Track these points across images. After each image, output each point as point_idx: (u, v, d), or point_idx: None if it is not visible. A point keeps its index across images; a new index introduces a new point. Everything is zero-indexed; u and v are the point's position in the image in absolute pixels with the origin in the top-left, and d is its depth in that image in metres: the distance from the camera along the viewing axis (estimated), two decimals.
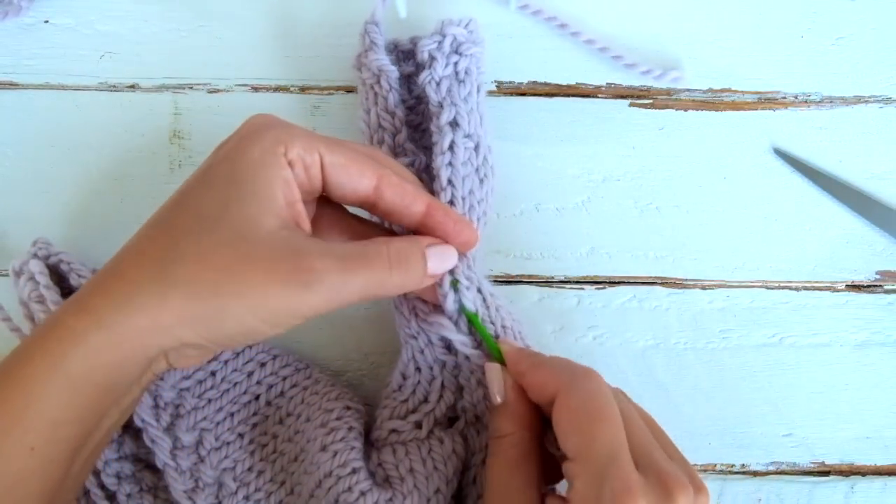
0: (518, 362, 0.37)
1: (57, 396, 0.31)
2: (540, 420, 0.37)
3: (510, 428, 0.36)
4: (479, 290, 0.40)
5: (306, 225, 0.35)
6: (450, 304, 0.39)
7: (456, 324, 0.40)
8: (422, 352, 0.41)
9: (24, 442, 0.31)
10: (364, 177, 0.36)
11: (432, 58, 0.43)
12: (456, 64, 0.43)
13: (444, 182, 0.41)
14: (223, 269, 0.32)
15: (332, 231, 0.39)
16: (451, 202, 0.41)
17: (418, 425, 0.41)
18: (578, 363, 0.36)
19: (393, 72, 0.43)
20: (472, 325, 0.40)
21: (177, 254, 0.32)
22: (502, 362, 0.38)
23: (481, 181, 0.42)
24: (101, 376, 0.32)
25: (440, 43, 0.43)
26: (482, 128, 0.43)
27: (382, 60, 0.43)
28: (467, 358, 0.40)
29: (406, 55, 0.46)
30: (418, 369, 0.41)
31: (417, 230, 0.38)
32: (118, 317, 0.31)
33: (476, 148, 0.42)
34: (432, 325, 0.40)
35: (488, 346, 0.39)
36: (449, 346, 0.41)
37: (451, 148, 0.41)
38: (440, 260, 0.37)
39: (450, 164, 0.41)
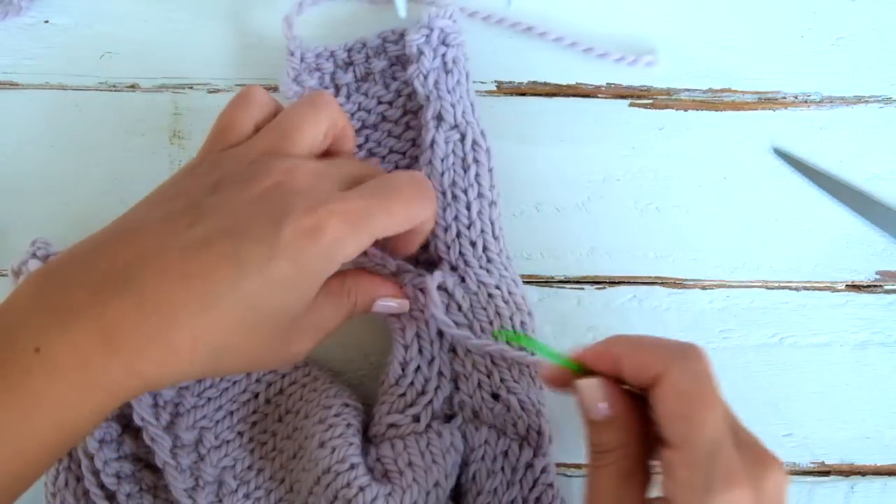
0: (614, 346, 0.35)
1: (87, 430, 0.33)
2: (647, 429, 0.34)
3: (622, 439, 0.33)
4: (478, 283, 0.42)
5: None
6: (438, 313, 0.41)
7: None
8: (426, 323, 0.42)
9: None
10: None
11: (420, 52, 0.43)
12: (444, 55, 0.43)
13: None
14: (257, 358, 0.36)
15: None
16: None
17: (416, 418, 0.41)
18: (681, 341, 0.34)
19: (290, 90, 0.44)
20: (522, 344, 0.40)
21: (229, 346, 0.34)
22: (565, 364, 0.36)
23: (465, 169, 0.43)
24: (121, 402, 0.34)
25: (428, 36, 0.43)
26: (473, 115, 0.44)
27: (285, 84, 0.44)
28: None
29: (376, 51, 0.46)
30: (420, 351, 0.41)
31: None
32: (164, 383, 0.33)
33: (463, 138, 0.43)
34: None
35: (548, 356, 0.37)
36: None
37: (431, 145, 0.43)
38: (385, 310, 0.42)
39: (429, 162, 0.43)
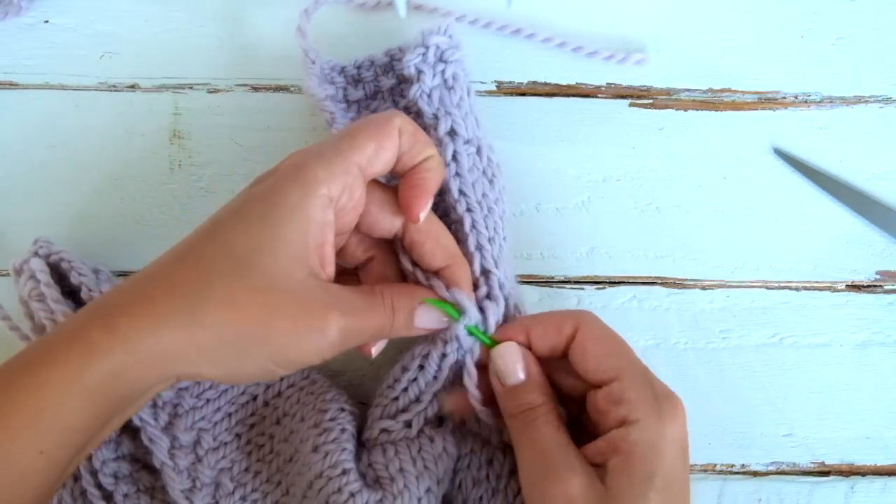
0: (522, 319, 0.40)
1: (72, 405, 0.32)
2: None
3: (541, 397, 0.37)
4: (507, 303, 0.41)
5: (330, 268, 0.36)
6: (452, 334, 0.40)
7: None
8: (444, 356, 0.40)
9: (35, 445, 0.31)
10: (396, 218, 0.38)
11: (419, 71, 0.43)
12: (443, 72, 0.43)
13: (456, 193, 0.41)
14: (251, 316, 0.33)
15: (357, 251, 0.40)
16: (469, 209, 0.41)
17: (408, 424, 0.40)
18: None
19: (321, 93, 0.44)
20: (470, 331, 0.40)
21: (209, 294, 0.33)
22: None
23: (490, 181, 0.42)
24: (116, 391, 0.33)
25: (424, 55, 0.43)
26: (479, 129, 0.43)
27: (314, 88, 0.44)
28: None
29: (384, 69, 0.46)
30: (422, 368, 0.41)
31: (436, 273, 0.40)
32: (144, 343, 0.32)
33: (478, 151, 0.42)
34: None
35: (487, 346, 0.39)
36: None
37: (454, 158, 0.42)
38: (428, 319, 0.39)
39: (457, 174, 0.42)
